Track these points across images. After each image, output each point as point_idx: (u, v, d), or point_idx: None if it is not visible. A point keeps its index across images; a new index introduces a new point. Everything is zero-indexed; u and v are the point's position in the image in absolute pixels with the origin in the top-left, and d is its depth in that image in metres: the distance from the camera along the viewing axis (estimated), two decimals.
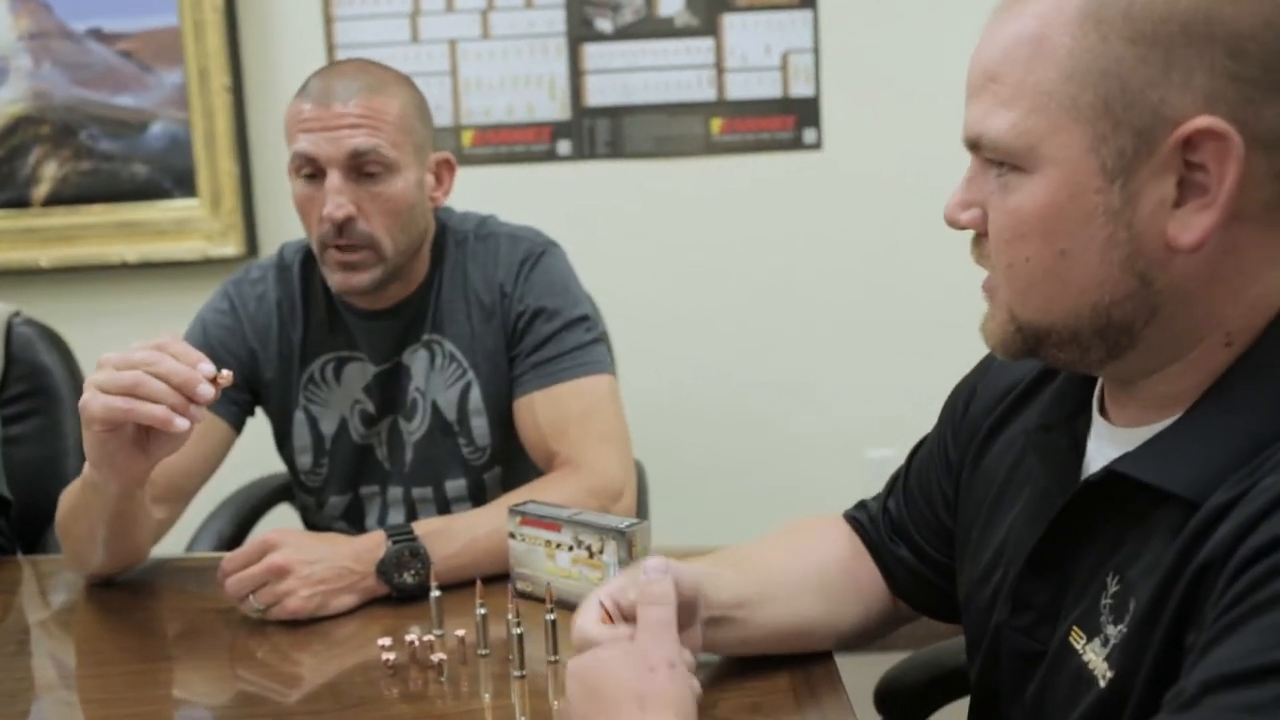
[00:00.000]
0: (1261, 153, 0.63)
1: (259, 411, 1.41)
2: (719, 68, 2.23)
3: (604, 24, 2.22)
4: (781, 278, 2.29)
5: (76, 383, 1.56)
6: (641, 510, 1.65)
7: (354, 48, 2.22)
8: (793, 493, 2.25)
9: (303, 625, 1.08)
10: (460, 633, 0.99)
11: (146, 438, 1.00)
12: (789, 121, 2.25)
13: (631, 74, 2.23)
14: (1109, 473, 0.69)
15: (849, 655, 1.05)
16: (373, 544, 1.12)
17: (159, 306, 2.22)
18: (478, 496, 1.38)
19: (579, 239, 2.12)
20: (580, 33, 2.22)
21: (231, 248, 2.22)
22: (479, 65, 2.23)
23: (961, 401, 0.93)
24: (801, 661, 0.94)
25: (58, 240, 2.24)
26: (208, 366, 0.97)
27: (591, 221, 2.24)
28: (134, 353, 0.97)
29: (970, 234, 0.74)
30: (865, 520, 1.00)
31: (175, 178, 2.22)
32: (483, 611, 0.99)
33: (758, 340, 2.30)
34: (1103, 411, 0.76)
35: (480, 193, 2.18)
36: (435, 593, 1.03)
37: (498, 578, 1.11)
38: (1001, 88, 0.68)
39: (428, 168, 1.32)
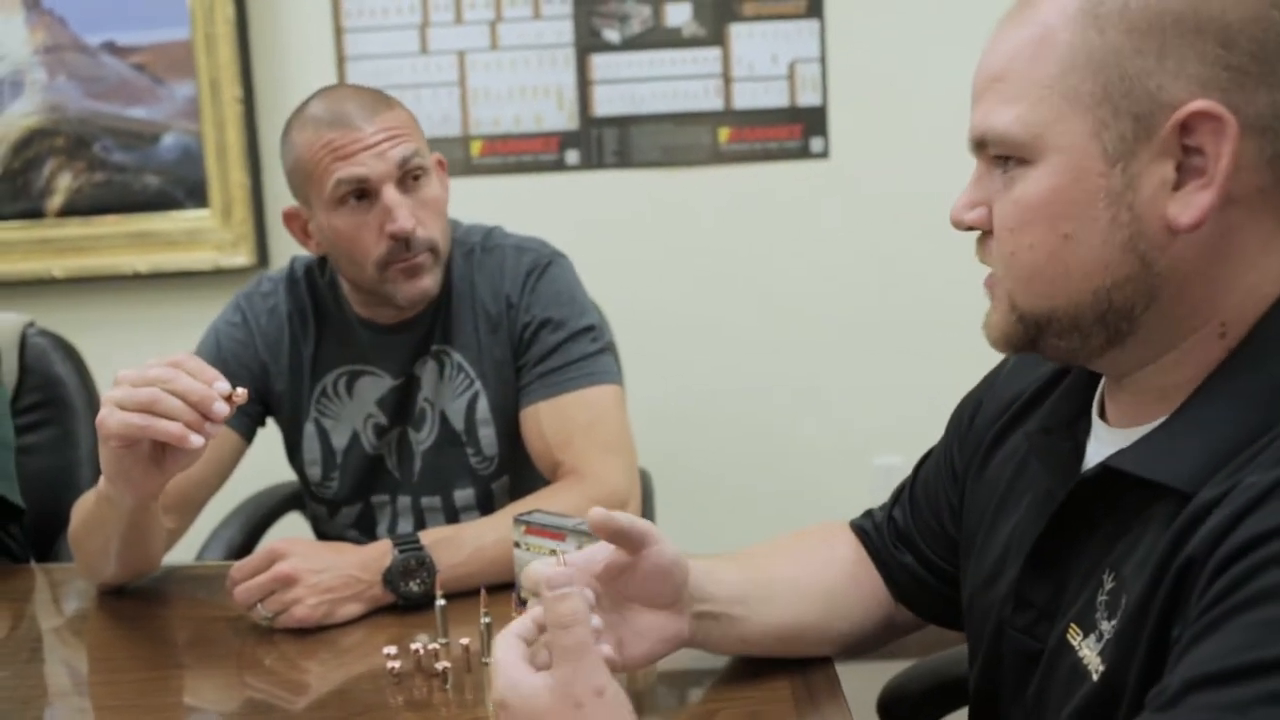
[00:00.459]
0: (1254, 138, 0.65)
1: (269, 421, 1.43)
2: (726, 77, 2.25)
3: (612, 34, 2.24)
4: (789, 286, 2.30)
5: (90, 393, 1.58)
6: (649, 518, 1.66)
7: (364, 59, 2.24)
8: (800, 500, 2.25)
9: (310, 633, 1.09)
10: (465, 641, 1.01)
11: (162, 453, 1.02)
12: (796, 131, 2.26)
13: (639, 84, 2.25)
14: (1104, 468, 0.71)
15: (853, 663, 1.06)
16: (379, 553, 1.13)
17: (170, 316, 2.25)
18: (486, 506, 1.40)
19: (587, 248, 2.13)
20: (588, 43, 2.24)
21: (242, 258, 2.24)
22: (487, 76, 2.25)
23: (967, 414, 0.94)
24: (801, 668, 0.94)
25: (71, 251, 2.26)
26: (223, 385, 0.98)
27: (599, 230, 2.25)
28: (150, 370, 0.98)
29: (974, 236, 0.76)
30: (870, 528, 1.00)
31: (187, 189, 2.25)
32: (487, 620, 1.00)
33: (765, 348, 2.31)
34: (1102, 415, 0.77)
35: (489, 202, 2.20)
36: (440, 601, 1.04)
37: (503, 586, 1.11)
38: (1006, 86, 0.71)
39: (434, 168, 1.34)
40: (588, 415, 1.30)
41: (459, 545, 1.15)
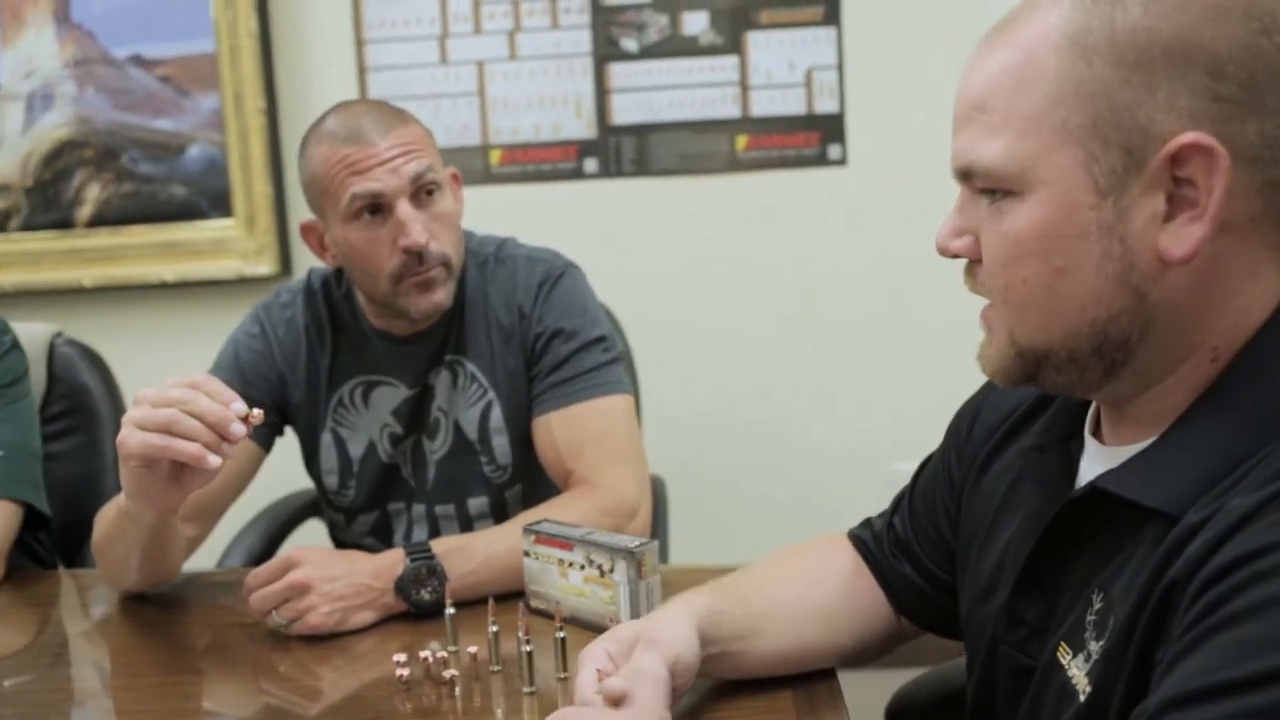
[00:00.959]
0: (1245, 167, 0.65)
1: (288, 429, 1.45)
2: (743, 85, 2.25)
3: (629, 43, 2.26)
4: (806, 293, 2.30)
5: (116, 402, 1.61)
6: (663, 525, 1.68)
7: (384, 70, 2.27)
8: (818, 507, 2.25)
9: (324, 640, 1.11)
10: (473, 649, 1.02)
11: (181, 471, 1.04)
12: (813, 138, 2.27)
13: (657, 92, 2.26)
14: (1092, 489, 0.71)
15: (860, 672, 1.06)
16: (392, 561, 1.15)
17: (195, 324, 2.28)
18: (500, 514, 1.41)
19: (605, 256, 2.15)
20: (606, 52, 2.26)
21: (266, 267, 2.27)
22: (506, 85, 2.27)
23: (966, 422, 0.94)
24: (804, 679, 0.95)
25: (100, 260, 2.31)
26: (240, 406, 1.00)
27: (617, 238, 2.27)
28: (169, 391, 1.00)
29: (963, 262, 0.76)
30: (869, 538, 1.01)
31: (212, 199, 2.28)
32: (495, 629, 1.02)
33: (782, 355, 2.31)
34: (1096, 432, 0.77)
35: (508, 211, 2.23)
36: (450, 610, 1.06)
37: (511, 595, 1.13)
38: (989, 116, 0.70)
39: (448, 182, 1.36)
40: (599, 425, 1.32)
41: (470, 554, 1.17)
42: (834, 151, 2.27)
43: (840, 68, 2.24)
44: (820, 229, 2.28)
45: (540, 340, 1.36)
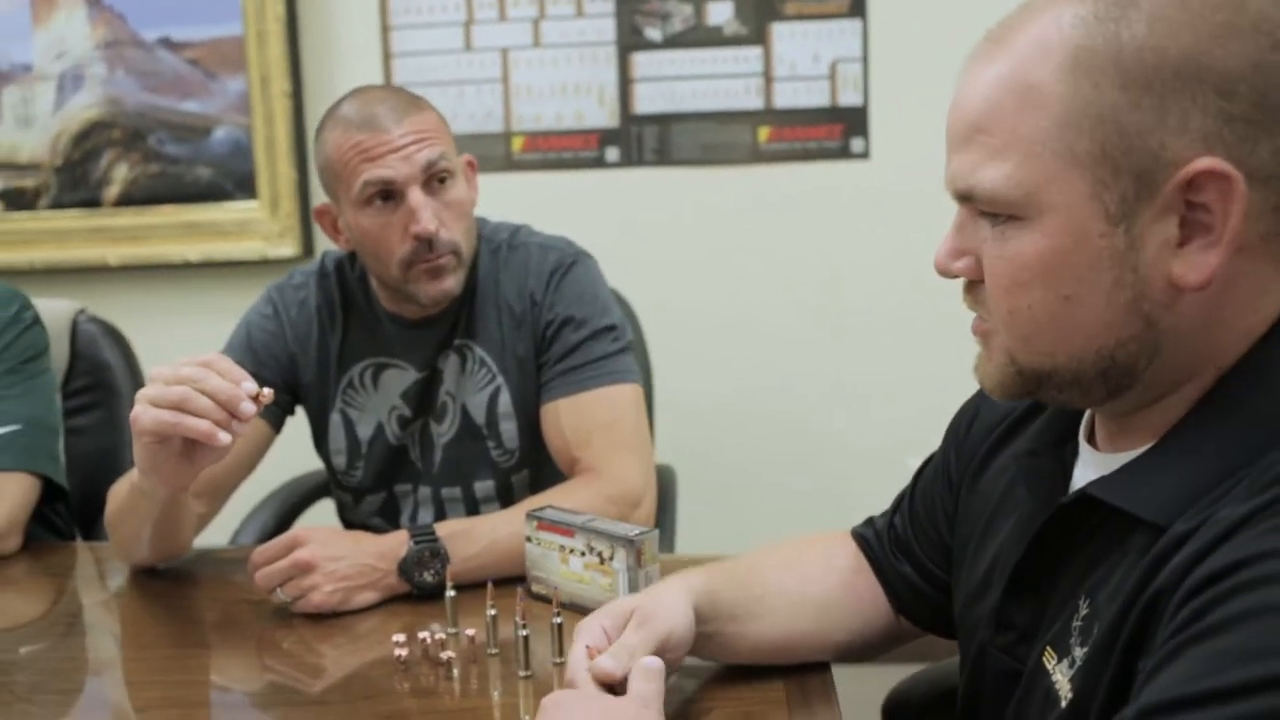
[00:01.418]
0: (1258, 187, 0.63)
1: (301, 411, 1.47)
2: (767, 76, 2.25)
3: (653, 33, 2.25)
4: (827, 286, 2.29)
5: (136, 379, 1.64)
6: (671, 514, 1.68)
7: (409, 56, 2.28)
8: (836, 500, 2.25)
9: (328, 618, 1.13)
10: (470, 632, 1.03)
11: (192, 448, 1.05)
12: (836, 130, 2.26)
13: (680, 82, 2.26)
14: (1082, 496, 0.71)
15: (857, 668, 1.06)
16: (396, 543, 1.16)
17: (217, 304, 2.31)
18: (506, 498, 1.42)
19: (625, 245, 2.16)
20: (630, 41, 2.25)
21: (288, 248, 2.29)
22: (530, 73, 2.28)
23: (965, 422, 0.94)
24: (798, 671, 0.96)
25: (126, 240, 2.34)
26: (250, 385, 1.02)
27: (638, 227, 2.27)
28: (181, 369, 1.02)
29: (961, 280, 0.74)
30: (871, 537, 1.01)
31: (236, 181, 2.31)
32: (493, 612, 1.03)
33: (802, 347, 2.31)
34: (1091, 438, 0.77)
35: (529, 198, 2.23)
36: (450, 592, 1.07)
37: (513, 580, 1.14)
38: (991, 139, 0.67)
39: (462, 170, 1.37)
40: (606, 413, 1.32)
41: (473, 538, 1.18)
42: (857, 145, 2.26)
43: (865, 60, 2.23)
44: (842, 222, 2.27)
45: (550, 327, 1.36)
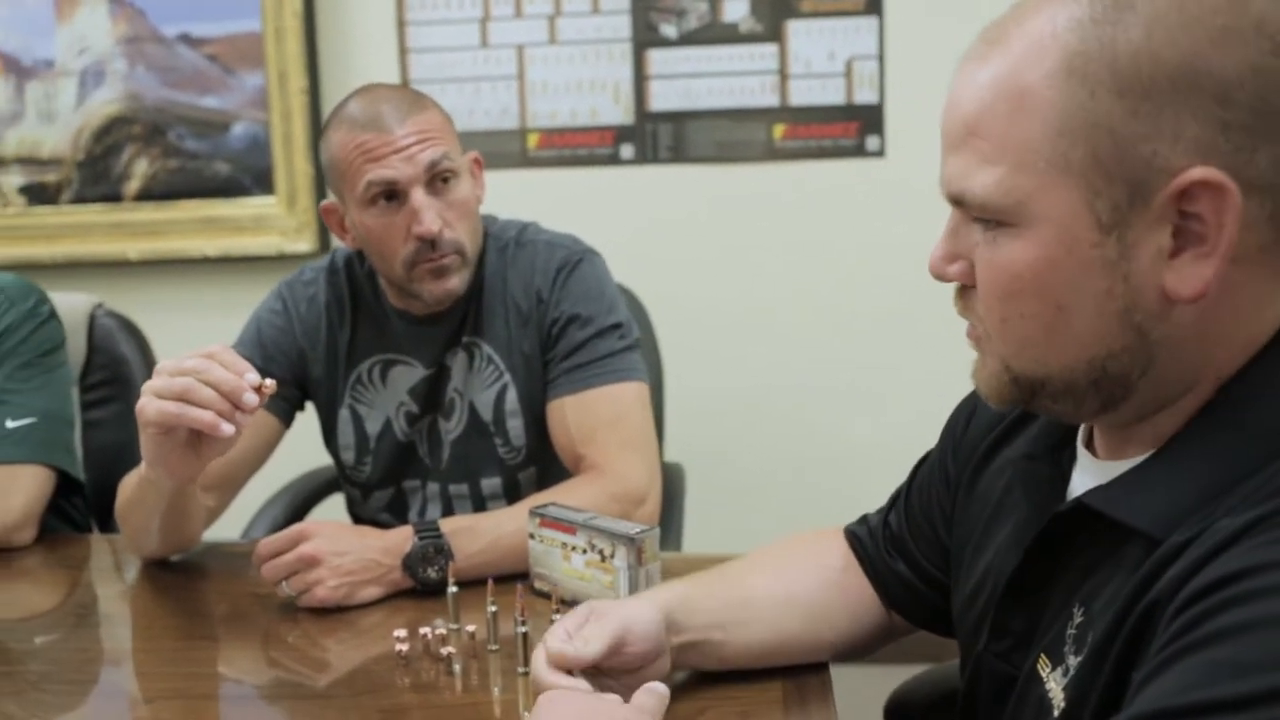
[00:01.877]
0: (1255, 196, 0.62)
1: (310, 406, 1.48)
2: (783, 74, 2.24)
3: (669, 30, 2.25)
4: (841, 284, 2.29)
5: (152, 372, 1.65)
6: (678, 513, 1.68)
7: (425, 52, 2.29)
8: (848, 499, 2.22)
9: (332, 613, 1.14)
10: (471, 629, 1.04)
11: (198, 440, 1.07)
12: (852, 128, 2.25)
13: (695, 79, 2.26)
14: (1078, 505, 0.70)
15: (858, 669, 1.07)
16: (401, 539, 1.17)
17: (234, 299, 2.31)
18: (513, 495, 1.43)
19: (640, 242, 2.16)
20: (645, 38, 2.26)
21: (305, 244, 2.31)
22: (545, 69, 2.28)
23: (962, 420, 0.94)
24: (795, 671, 0.96)
25: (146, 234, 2.36)
26: (253, 376, 1.03)
27: (653, 224, 2.27)
28: (186, 361, 1.03)
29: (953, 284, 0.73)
30: (864, 535, 1.01)
31: (254, 176, 2.33)
32: (493, 609, 1.04)
33: (817, 345, 2.30)
34: (1090, 443, 0.76)
35: (544, 194, 2.24)
36: (453, 589, 1.08)
37: (512, 576, 1.15)
38: (983, 143, 0.66)
39: (467, 169, 1.37)
40: (611, 411, 1.33)
41: (477, 535, 1.19)
42: (872, 143, 2.25)
43: (881, 58, 2.22)
44: (857, 220, 2.27)
45: (557, 325, 1.37)
